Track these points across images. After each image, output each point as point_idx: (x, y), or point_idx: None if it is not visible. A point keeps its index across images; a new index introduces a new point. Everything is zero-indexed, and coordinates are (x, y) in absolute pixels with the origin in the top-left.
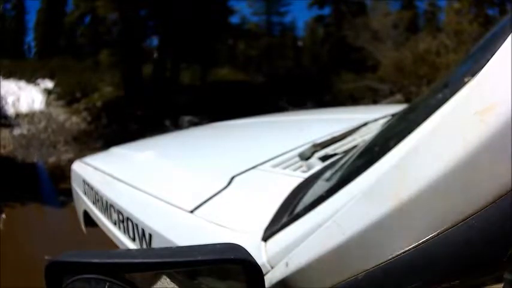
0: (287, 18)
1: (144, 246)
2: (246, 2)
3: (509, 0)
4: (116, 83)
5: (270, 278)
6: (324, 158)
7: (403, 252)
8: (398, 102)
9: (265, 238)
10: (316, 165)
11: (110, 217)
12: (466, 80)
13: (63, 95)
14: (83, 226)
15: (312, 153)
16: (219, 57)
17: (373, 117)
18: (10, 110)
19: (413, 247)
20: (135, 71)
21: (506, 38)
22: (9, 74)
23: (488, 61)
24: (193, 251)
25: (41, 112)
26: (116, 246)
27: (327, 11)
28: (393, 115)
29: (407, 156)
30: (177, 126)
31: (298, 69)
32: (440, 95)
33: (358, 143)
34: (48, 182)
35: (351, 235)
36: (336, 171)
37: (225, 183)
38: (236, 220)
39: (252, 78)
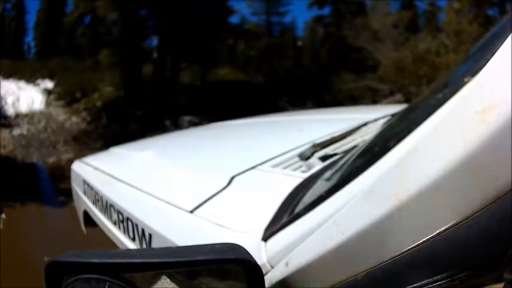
0: (287, 18)
1: (144, 246)
2: (246, 2)
3: (509, 0)
4: (116, 83)
5: (270, 278)
6: (323, 158)
7: (403, 252)
8: (398, 102)
9: (265, 238)
10: (316, 165)
11: (109, 217)
12: (466, 80)
13: (63, 95)
14: (82, 226)
15: (312, 153)
16: (219, 57)
17: (373, 117)
18: (10, 110)
19: (413, 247)
20: (135, 71)
21: (506, 38)
22: (9, 74)
23: (488, 61)
24: (193, 251)
25: (41, 112)
26: (116, 246)
27: (326, 11)
28: (393, 115)
29: (407, 156)
30: (177, 126)
31: (298, 69)
32: (440, 95)
33: (358, 143)
34: (48, 182)
35: (351, 235)
36: (336, 171)
37: (225, 183)
38: (236, 220)
39: (252, 78)
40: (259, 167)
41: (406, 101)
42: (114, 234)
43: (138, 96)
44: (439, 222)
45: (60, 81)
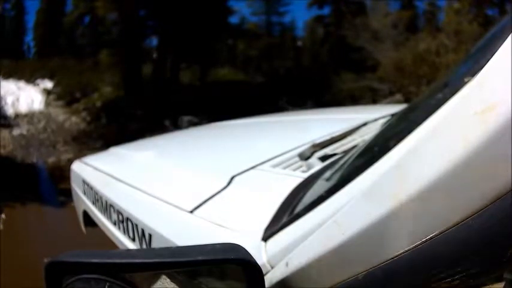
0: (287, 18)
1: (144, 246)
2: (246, 2)
3: (509, 0)
4: (115, 83)
5: (270, 278)
6: (323, 158)
7: (403, 252)
8: (398, 102)
9: (265, 238)
10: (316, 165)
11: (109, 217)
12: (466, 80)
13: (62, 95)
14: (82, 226)
15: (312, 153)
16: (219, 57)
17: (372, 117)
18: (10, 110)
19: (413, 247)
20: (134, 71)
21: (506, 38)
22: (8, 74)
23: (488, 61)
24: (193, 251)
25: (41, 112)
26: (116, 247)
27: (326, 10)
28: (393, 115)
29: (407, 156)
30: (176, 126)
31: (297, 69)
32: (440, 95)
33: (358, 143)
34: (48, 182)
35: (351, 235)
36: (336, 171)
37: (225, 183)
38: (236, 220)
39: (252, 78)
40: (259, 167)
41: (406, 101)
42: (114, 235)
43: (138, 96)
44: (439, 222)
45: (59, 81)
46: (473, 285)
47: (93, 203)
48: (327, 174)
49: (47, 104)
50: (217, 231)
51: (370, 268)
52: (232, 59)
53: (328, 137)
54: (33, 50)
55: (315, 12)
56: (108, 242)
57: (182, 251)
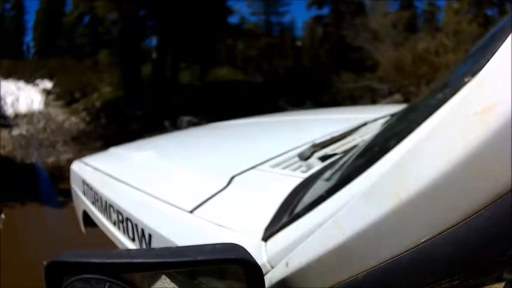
0: (286, 18)
1: (144, 246)
2: (245, 2)
3: (509, 0)
4: (115, 83)
5: (270, 278)
6: (323, 158)
7: (403, 252)
8: (398, 102)
9: (265, 238)
10: (316, 165)
11: (109, 217)
12: (466, 80)
13: (62, 95)
14: (82, 226)
15: (312, 153)
16: (218, 57)
17: (372, 117)
18: (9, 110)
19: (413, 247)
20: (134, 71)
21: (506, 38)
22: (8, 74)
23: (488, 61)
24: (193, 251)
25: (40, 112)
26: (116, 247)
27: (325, 10)
28: (392, 115)
29: (407, 156)
30: (176, 126)
31: (297, 69)
32: (440, 95)
33: (358, 143)
34: (48, 182)
35: (351, 235)
36: (336, 171)
37: (225, 183)
38: (236, 220)
39: (252, 78)
40: (259, 167)
41: (406, 101)
42: (113, 235)
43: (138, 96)
44: (439, 222)
45: (59, 81)
46: (473, 285)
47: (93, 203)
48: (327, 174)
49: (47, 104)
50: (217, 231)
51: (370, 268)
52: (231, 59)
53: (328, 137)
54: (32, 50)
55: (314, 12)
56: (108, 242)
57: (182, 251)
